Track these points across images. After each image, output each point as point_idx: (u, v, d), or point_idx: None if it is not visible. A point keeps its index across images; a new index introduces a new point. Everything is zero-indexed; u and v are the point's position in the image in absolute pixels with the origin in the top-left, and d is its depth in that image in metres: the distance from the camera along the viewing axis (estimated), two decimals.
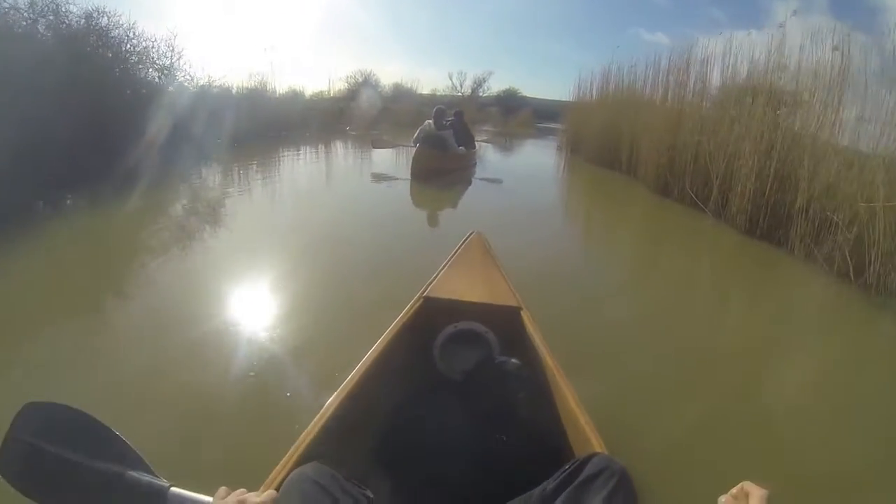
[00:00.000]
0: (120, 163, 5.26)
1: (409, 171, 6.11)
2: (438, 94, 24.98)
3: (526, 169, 9.47)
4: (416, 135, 6.43)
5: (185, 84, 8.50)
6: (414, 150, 6.17)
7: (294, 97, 13.53)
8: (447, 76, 29.38)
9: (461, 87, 28.79)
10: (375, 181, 6.59)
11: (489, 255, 1.79)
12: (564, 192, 7.63)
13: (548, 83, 54.54)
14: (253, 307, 2.47)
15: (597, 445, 0.91)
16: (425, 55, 45.30)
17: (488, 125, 19.89)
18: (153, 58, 7.82)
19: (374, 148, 7.98)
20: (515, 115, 24.21)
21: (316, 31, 34.65)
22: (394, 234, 3.99)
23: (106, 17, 7.17)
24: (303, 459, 0.81)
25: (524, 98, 29.41)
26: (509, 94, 29.70)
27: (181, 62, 8.22)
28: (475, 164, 7.72)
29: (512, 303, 1.49)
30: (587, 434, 0.95)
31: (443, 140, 6.27)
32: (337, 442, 0.93)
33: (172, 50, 8.04)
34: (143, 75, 7.78)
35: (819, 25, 4.24)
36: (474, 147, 7.84)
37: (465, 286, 1.56)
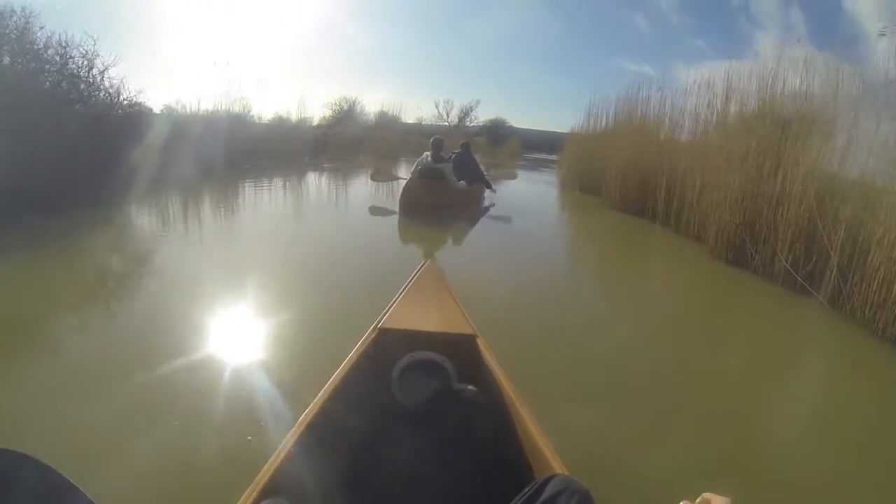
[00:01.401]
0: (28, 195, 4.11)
1: (398, 204, 5.51)
2: (424, 122, 23.64)
3: (530, 209, 7.61)
4: (413, 167, 5.86)
5: (118, 102, 6.70)
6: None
7: (279, 123, 11.91)
8: (433, 104, 27.92)
9: (448, 115, 27.56)
10: (349, 217, 5.89)
11: (443, 284, 1.75)
12: (583, 245, 5.88)
13: (534, 113, 53.93)
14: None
15: (557, 467, 0.90)
16: (411, 83, 44.32)
17: (476, 155, 18.68)
18: (73, 69, 6.06)
19: (374, 181, 7.20)
20: (503, 145, 23.28)
21: (304, 56, 33.18)
22: (368, 275, 3.35)
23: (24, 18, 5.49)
24: (263, 496, 0.79)
25: (512, 128, 28.55)
26: (496, 124, 28.82)
27: (104, 75, 6.42)
28: (483, 200, 6.78)
29: (467, 331, 1.47)
30: (547, 456, 0.94)
31: (440, 173, 5.59)
32: (297, 476, 0.91)
33: (89, 59, 6.22)
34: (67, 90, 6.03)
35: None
36: (484, 182, 6.88)
37: (420, 315, 1.54)
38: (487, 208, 6.47)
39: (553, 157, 21.88)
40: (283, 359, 2.11)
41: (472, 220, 5.77)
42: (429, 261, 1.92)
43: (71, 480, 0.68)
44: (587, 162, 8.31)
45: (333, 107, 17.89)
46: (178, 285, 3.08)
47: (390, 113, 17.17)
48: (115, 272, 3.40)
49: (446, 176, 5.62)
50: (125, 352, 2.12)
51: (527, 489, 0.75)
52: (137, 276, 3.33)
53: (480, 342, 1.42)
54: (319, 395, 1.12)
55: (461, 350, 1.42)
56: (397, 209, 5.44)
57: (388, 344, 1.43)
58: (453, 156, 6.22)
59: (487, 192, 6.87)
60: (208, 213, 5.47)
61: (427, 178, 5.52)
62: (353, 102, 17.98)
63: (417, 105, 34.51)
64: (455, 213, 5.64)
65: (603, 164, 7.47)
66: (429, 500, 1.03)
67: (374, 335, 1.44)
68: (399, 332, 1.45)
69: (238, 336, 2.42)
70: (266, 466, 0.86)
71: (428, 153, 5.67)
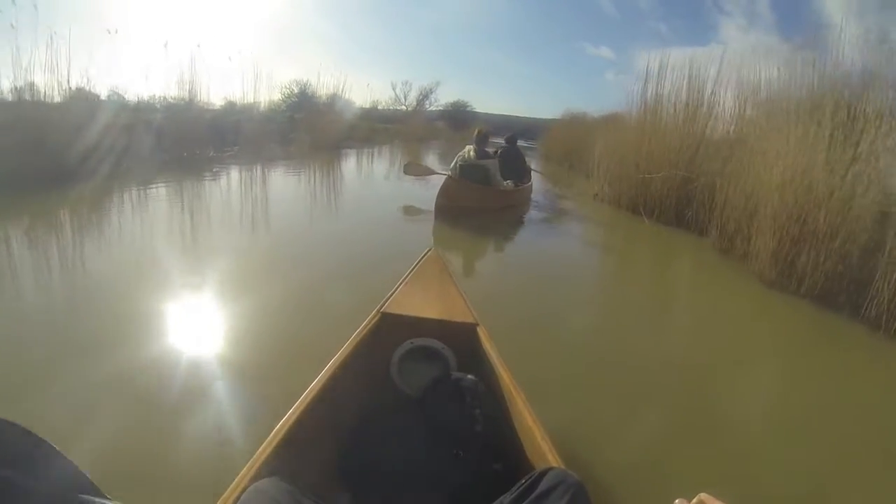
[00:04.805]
0: None
1: (434, 205, 4.23)
2: (380, 107, 19.89)
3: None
4: (453, 162, 4.71)
5: None
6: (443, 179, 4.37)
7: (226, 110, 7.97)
8: (390, 86, 24.06)
9: (405, 98, 23.84)
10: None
11: (446, 272, 1.64)
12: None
13: (494, 97, 50.53)
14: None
15: (552, 460, 0.84)
16: (368, 66, 39.85)
17: (438, 141, 16.97)
18: None
19: (407, 174, 5.76)
20: (467, 130, 20.28)
21: (256, 35, 27.84)
22: None
23: None
24: (259, 475, 0.74)
25: (474, 112, 25.54)
26: (458, 107, 25.61)
27: None
28: (528, 201, 5.53)
29: (468, 319, 1.36)
30: (543, 449, 0.88)
31: (484, 171, 4.50)
32: (294, 457, 0.85)
33: None
34: None
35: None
36: (529, 180, 5.70)
37: (422, 302, 1.43)
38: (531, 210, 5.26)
39: (522, 143, 18.98)
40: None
41: (521, 222, 4.79)
42: (432, 248, 1.77)
43: (55, 446, 0.62)
44: (633, 165, 4.73)
45: (283, 90, 14.17)
46: None
47: (342, 96, 13.07)
48: None
49: (491, 174, 4.59)
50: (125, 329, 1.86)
51: (522, 481, 0.71)
52: None
53: (482, 331, 1.31)
54: (319, 376, 1.03)
55: (462, 338, 1.33)
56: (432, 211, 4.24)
57: (390, 329, 1.33)
58: (499, 150, 5.30)
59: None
60: None
61: (468, 177, 4.50)
62: (305, 85, 14.16)
63: (366, 83, 30.44)
64: (500, 217, 4.63)
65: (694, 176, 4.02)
66: (423, 487, 0.96)
67: (375, 319, 1.33)
68: (401, 317, 1.35)
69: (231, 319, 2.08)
70: (263, 446, 0.81)
71: (470, 147, 4.62)
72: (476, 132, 4.66)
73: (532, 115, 25.47)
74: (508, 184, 4.97)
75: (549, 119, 17.85)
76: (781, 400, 1.90)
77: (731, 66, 4.21)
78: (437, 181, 5.24)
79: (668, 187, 4.38)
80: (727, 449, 1.52)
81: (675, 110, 4.53)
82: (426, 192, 5.30)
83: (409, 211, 4.81)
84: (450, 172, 4.66)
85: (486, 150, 4.66)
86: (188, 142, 7.11)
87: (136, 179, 5.05)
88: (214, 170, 6.34)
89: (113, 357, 1.67)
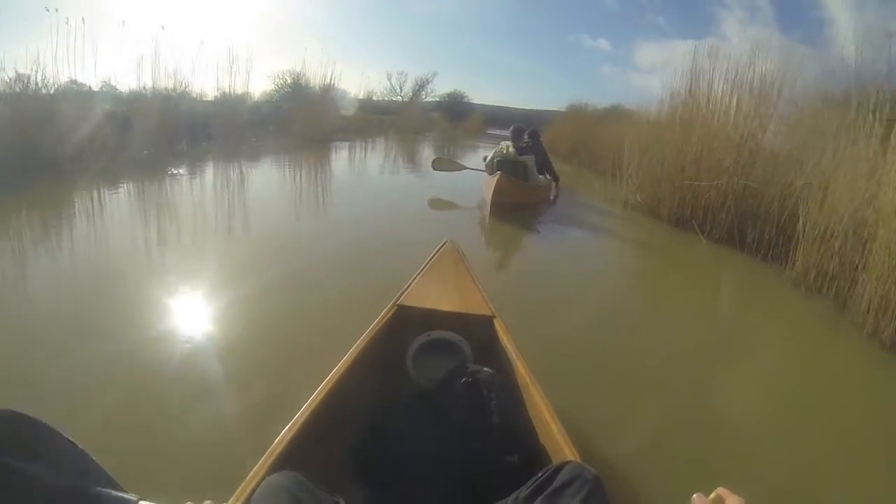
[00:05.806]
0: None
1: (488, 204, 4.10)
2: (375, 97, 18.97)
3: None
4: (489, 158, 4.65)
5: None
6: (493, 177, 4.21)
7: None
8: (386, 76, 23.12)
9: (401, 89, 22.95)
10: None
11: (462, 265, 1.59)
12: None
13: (493, 87, 49.48)
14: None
15: (569, 453, 0.82)
16: (366, 61, 38.74)
17: (434, 133, 16.52)
18: None
19: (435, 169, 5.59)
20: (463, 121, 19.65)
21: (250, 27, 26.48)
22: None
23: None
24: (275, 468, 0.72)
25: (471, 104, 24.86)
26: (454, 98, 24.85)
27: None
28: (555, 196, 5.44)
29: (485, 312, 1.34)
30: (560, 442, 0.86)
31: (524, 167, 4.45)
32: (309, 449, 0.84)
33: None
34: None
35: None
36: (555, 176, 5.59)
37: (439, 295, 1.40)
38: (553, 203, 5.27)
39: None
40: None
41: (546, 219, 4.57)
42: (449, 241, 1.71)
43: (71, 439, 0.58)
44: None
45: (276, 80, 13.82)
46: None
47: (335, 84, 12.14)
48: None
49: (529, 170, 4.46)
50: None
51: (539, 474, 0.69)
52: None
53: (498, 324, 1.29)
54: (335, 369, 1.01)
55: (478, 331, 1.30)
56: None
57: (406, 321, 1.31)
58: (527, 145, 4.89)
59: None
60: None
61: (510, 173, 4.23)
62: (298, 76, 13.40)
63: (361, 72, 29.49)
64: (533, 212, 4.53)
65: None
66: (438, 479, 0.91)
67: (392, 312, 1.31)
68: (417, 310, 1.33)
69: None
70: (279, 439, 0.79)
71: (507, 143, 4.49)
72: (512, 128, 4.62)
73: (528, 107, 24.74)
74: (543, 178, 4.92)
75: (547, 110, 17.28)
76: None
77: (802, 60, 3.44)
78: (439, 176, 5.38)
79: (725, 198, 3.62)
80: (745, 439, 1.50)
81: (735, 106, 3.74)
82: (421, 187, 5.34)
83: (435, 206, 4.71)
84: (484, 168, 4.67)
85: (522, 145, 4.58)
86: (155, 137, 6.20)
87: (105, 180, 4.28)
88: (171, 172, 5.37)
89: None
